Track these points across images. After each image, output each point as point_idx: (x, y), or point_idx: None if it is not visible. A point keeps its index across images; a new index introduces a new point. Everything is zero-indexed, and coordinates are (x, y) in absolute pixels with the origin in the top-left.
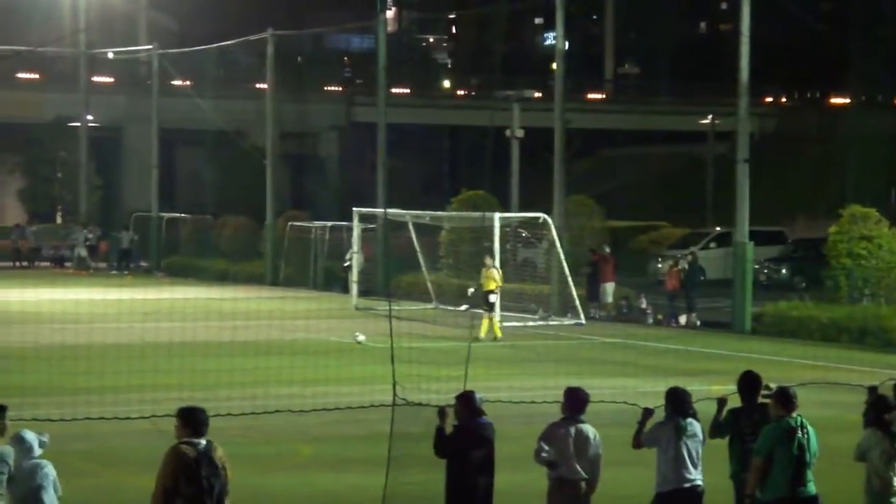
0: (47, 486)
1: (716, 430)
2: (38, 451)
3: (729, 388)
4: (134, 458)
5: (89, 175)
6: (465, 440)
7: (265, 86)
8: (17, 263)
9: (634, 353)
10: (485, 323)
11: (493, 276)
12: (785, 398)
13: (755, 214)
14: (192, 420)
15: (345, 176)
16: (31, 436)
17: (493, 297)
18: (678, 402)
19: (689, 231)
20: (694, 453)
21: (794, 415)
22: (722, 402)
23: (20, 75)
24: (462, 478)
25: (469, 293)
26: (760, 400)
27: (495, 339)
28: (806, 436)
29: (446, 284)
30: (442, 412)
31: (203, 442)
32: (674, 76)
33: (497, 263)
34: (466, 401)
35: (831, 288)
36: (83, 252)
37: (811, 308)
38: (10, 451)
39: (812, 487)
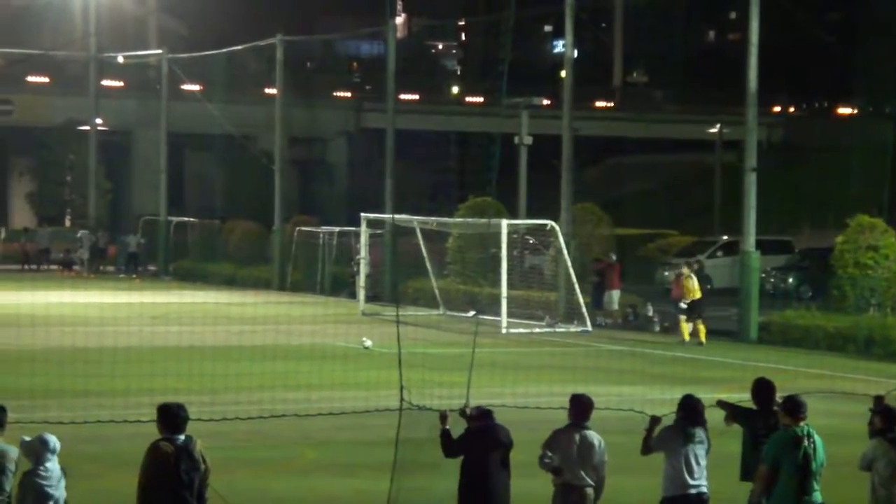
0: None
1: (727, 406)
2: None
3: (734, 396)
4: (140, 460)
5: (98, 179)
6: (479, 442)
7: (274, 91)
8: (25, 266)
9: (641, 360)
10: (700, 328)
11: (689, 286)
12: (793, 407)
13: (762, 223)
14: (170, 416)
15: (353, 181)
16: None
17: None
18: (691, 411)
19: (695, 239)
20: (700, 460)
21: (801, 424)
22: (725, 404)
23: (30, 79)
24: (475, 478)
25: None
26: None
27: (689, 341)
28: (812, 445)
29: (454, 290)
30: (443, 416)
31: (182, 437)
32: (682, 85)
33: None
34: (482, 412)
35: (837, 297)
36: (84, 255)
37: (817, 317)
38: (16, 450)
39: (818, 497)
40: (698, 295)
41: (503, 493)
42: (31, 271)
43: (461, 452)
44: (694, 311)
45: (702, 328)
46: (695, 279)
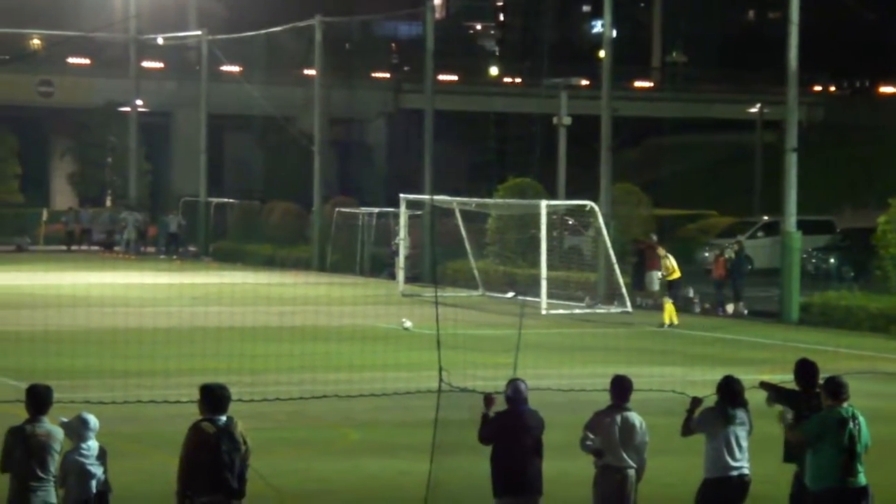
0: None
1: (770, 387)
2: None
3: (776, 377)
4: (181, 441)
5: (139, 160)
6: (508, 427)
7: (313, 72)
8: (71, 247)
9: (681, 341)
10: (671, 308)
11: (668, 265)
12: (834, 388)
13: (803, 203)
14: (212, 397)
15: (392, 162)
16: (93, 417)
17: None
18: (730, 392)
19: (736, 220)
20: (742, 441)
21: (845, 405)
22: (767, 385)
23: (71, 61)
24: (505, 464)
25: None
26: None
27: (671, 324)
28: (858, 427)
29: (493, 272)
30: (488, 398)
31: (223, 418)
32: (722, 64)
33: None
34: (515, 387)
35: (880, 278)
36: (133, 235)
37: (859, 298)
38: (61, 431)
39: (862, 478)
40: (678, 274)
41: (534, 478)
42: (75, 252)
43: (492, 438)
44: (670, 290)
45: (671, 308)
46: (672, 258)
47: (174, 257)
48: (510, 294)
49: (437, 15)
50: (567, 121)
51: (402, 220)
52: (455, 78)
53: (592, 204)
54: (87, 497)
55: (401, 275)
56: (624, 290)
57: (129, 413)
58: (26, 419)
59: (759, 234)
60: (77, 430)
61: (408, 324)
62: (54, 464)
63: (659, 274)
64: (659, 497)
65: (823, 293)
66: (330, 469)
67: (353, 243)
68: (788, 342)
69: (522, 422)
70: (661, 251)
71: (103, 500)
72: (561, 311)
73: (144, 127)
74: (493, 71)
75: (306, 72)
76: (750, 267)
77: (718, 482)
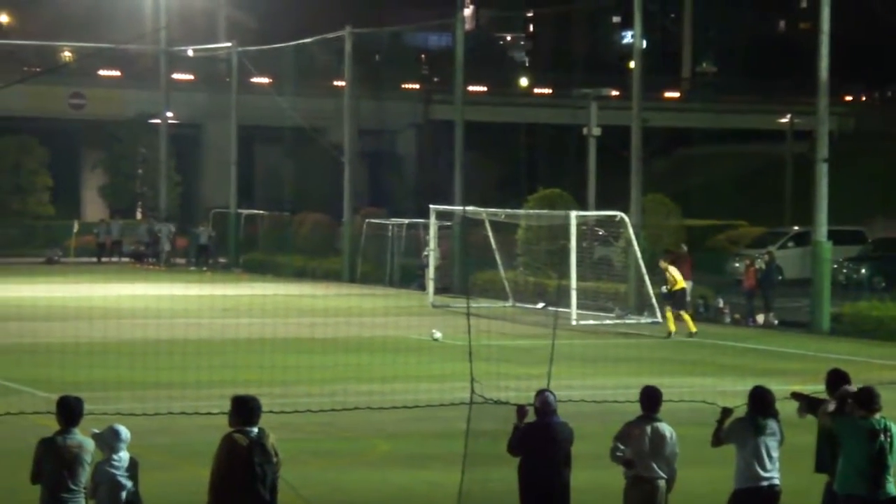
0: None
1: (802, 397)
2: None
3: (808, 388)
4: (213, 452)
5: (169, 171)
6: (535, 439)
7: (343, 83)
8: (101, 259)
9: (712, 352)
10: (686, 318)
11: (670, 276)
12: (866, 398)
13: (834, 214)
14: (244, 408)
15: (422, 173)
16: (125, 429)
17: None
18: (761, 402)
19: (766, 230)
20: (772, 452)
21: (877, 416)
22: (799, 396)
23: (102, 73)
24: (531, 476)
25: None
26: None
27: (670, 334)
28: (889, 439)
29: (523, 283)
30: (520, 410)
31: (255, 430)
32: (752, 75)
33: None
34: (544, 398)
35: None
36: (167, 246)
37: (891, 308)
38: (92, 443)
39: (892, 489)
40: (681, 285)
41: (561, 489)
42: (106, 264)
43: (520, 449)
44: (677, 301)
45: (686, 317)
46: (673, 270)
47: (204, 269)
48: (540, 305)
49: (467, 26)
50: (597, 131)
51: (432, 231)
52: (485, 89)
53: (622, 214)
54: None
55: (431, 286)
56: (654, 301)
57: (161, 424)
58: (57, 430)
59: (790, 244)
60: (108, 441)
61: (438, 335)
62: (85, 475)
63: (664, 288)
64: None
65: (854, 303)
66: (360, 480)
67: (382, 254)
68: (819, 353)
69: (550, 433)
70: (663, 264)
71: None
72: (591, 322)
73: (175, 138)
74: (523, 82)
75: (336, 83)
76: (780, 277)
77: (748, 493)
